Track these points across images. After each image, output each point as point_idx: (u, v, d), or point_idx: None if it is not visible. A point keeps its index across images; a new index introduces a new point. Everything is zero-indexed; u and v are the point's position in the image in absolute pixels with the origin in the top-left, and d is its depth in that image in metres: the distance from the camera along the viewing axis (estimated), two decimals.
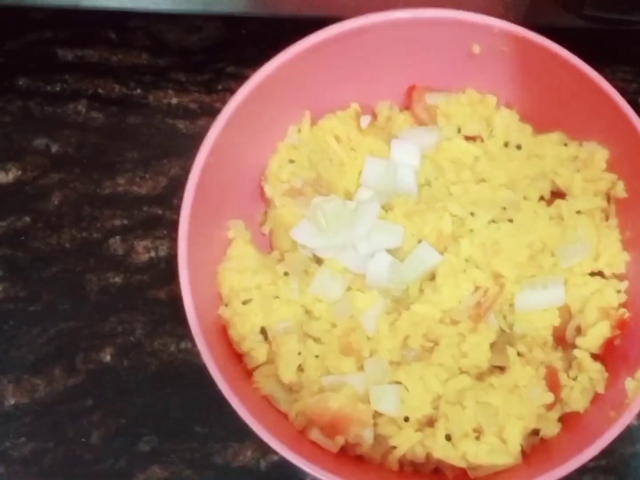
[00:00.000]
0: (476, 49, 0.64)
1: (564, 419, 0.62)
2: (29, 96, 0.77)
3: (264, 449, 0.68)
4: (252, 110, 0.63)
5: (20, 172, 0.76)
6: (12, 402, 0.71)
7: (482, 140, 0.67)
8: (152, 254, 0.74)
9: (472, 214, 0.63)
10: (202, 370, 0.57)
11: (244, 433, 0.56)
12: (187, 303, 0.58)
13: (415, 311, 0.61)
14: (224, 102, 0.62)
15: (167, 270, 0.73)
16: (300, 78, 0.65)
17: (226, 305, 0.64)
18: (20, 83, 0.78)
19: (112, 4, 0.71)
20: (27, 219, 0.75)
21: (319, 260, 0.65)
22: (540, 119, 0.68)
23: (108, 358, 0.72)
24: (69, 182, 0.76)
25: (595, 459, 0.56)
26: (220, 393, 0.56)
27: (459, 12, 0.62)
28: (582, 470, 0.65)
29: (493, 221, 0.63)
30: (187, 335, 0.58)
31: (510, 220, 0.63)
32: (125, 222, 0.75)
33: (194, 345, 0.57)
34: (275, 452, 0.56)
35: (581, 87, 0.62)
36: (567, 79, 0.63)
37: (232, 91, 0.63)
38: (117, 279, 0.74)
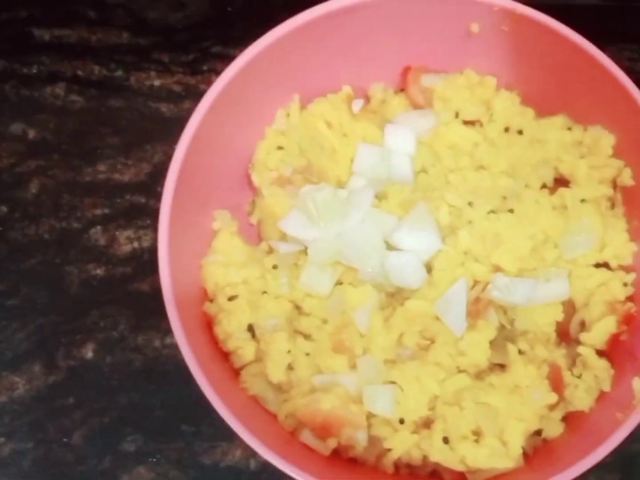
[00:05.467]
0: (475, 27, 0.61)
1: (567, 419, 0.59)
2: (4, 79, 0.74)
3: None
4: (238, 92, 0.59)
5: None
6: None
7: (481, 125, 0.64)
8: (135, 244, 0.71)
9: (470, 203, 0.59)
10: (188, 366, 0.54)
11: (232, 432, 0.54)
12: (168, 299, 0.55)
13: (411, 307, 0.58)
14: (209, 84, 0.59)
15: (150, 261, 0.69)
16: (288, 59, 0.61)
17: (211, 301, 0.61)
18: None
19: None
20: (4, 208, 0.71)
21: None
22: (542, 102, 0.64)
23: (90, 354, 0.69)
24: (47, 169, 0.72)
25: None
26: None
27: None
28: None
29: (492, 211, 0.60)
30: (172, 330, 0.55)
31: (511, 211, 0.60)
32: (107, 211, 0.71)
33: None
34: None
35: (585, 67, 0.59)
36: (571, 59, 0.59)
37: (217, 72, 0.60)
38: (99, 271, 0.70)
